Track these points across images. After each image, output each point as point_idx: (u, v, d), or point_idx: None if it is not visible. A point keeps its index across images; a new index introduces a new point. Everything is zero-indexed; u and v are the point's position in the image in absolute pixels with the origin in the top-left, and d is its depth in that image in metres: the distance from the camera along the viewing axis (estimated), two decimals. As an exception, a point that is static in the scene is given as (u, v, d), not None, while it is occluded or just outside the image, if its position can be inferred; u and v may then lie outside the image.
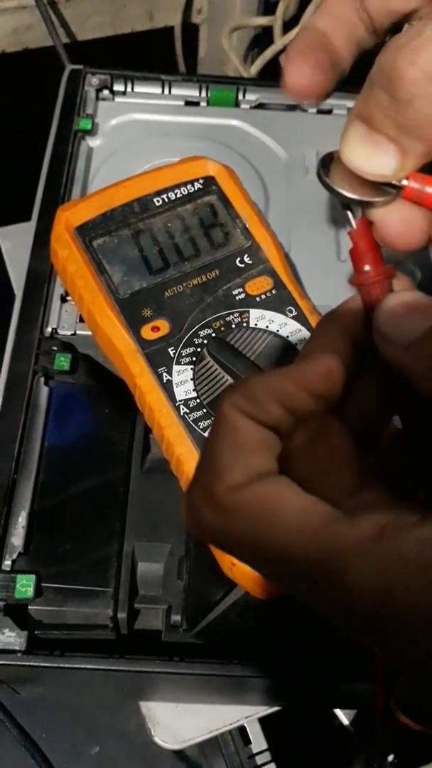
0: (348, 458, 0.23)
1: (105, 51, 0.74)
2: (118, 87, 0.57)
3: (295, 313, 0.40)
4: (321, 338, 0.25)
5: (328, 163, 0.26)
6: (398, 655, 0.19)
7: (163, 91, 0.57)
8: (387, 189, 0.24)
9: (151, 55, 0.76)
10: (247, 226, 0.42)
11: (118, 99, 0.57)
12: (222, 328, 0.39)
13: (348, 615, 0.19)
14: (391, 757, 0.53)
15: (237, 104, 0.58)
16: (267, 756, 0.47)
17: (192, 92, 0.57)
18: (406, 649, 0.19)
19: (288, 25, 0.67)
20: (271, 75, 0.72)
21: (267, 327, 0.40)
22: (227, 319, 0.40)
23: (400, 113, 0.22)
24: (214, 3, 0.74)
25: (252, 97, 0.58)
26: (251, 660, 0.39)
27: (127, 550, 0.39)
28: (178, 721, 0.45)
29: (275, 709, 0.48)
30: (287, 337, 0.40)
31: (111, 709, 0.64)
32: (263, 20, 0.68)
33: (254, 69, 0.69)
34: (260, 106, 0.58)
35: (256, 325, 0.40)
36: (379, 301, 0.24)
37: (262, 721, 0.49)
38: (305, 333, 0.40)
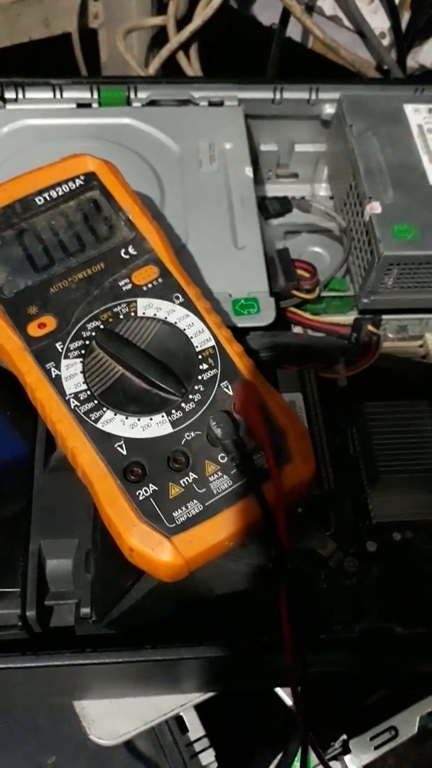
0: None
1: (6, 62, 0.75)
2: (9, 94, 0.57)
3: (182, 299, 0.41)
4: None
5: None
6: None
7: (54, 95, 0.58)
8: None
9: (54, 62, 0.76)
10: (130, 217, 0.43)
11: (9, 106, 0.57)
12: (110, 320, 0.40)
13: None
14: (344, 737, 0.54)
15: (129, 103, 0.58)
16: (205, 742, 0.47)
17: (83, 94, 0.58)
18: None
19: (181, 24, 0.68)
20: (170, 73, 0.73)
21: (155, 315, 0.40)
22: (115, 310, 0.40)
23: None
24: (109, 6, 0.74)
25: (143, 95, 0.59)
26: (166, 644, 0.39)
27: (33, 549, 0.39)
28: (112, 716, 0.45)
29: (210, 695, 0.48)
30: (175, 323, 0.40)
31: (64, 715, 0.63)
32: (156, 20, 0.69)
33: (152, 69, 0.70)
34: (152, 103, 0.58)
35: (144, 314, 0.40)
36: None
37: (200, 708, 0.49)
38: (193, 318, 0.40)
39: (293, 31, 0.77)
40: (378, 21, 0.79)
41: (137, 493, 0.35)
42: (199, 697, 0.47)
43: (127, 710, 0.46)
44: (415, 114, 0.58)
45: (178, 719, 0.48)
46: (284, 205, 0.60)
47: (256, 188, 0.56)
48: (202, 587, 0.41)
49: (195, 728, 0.47)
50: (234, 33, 0.75)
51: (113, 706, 0.46)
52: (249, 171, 0.55)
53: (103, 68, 0.81)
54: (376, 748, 0.48)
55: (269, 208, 0.59)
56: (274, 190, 0.66)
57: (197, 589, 0.41)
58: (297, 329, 0.56)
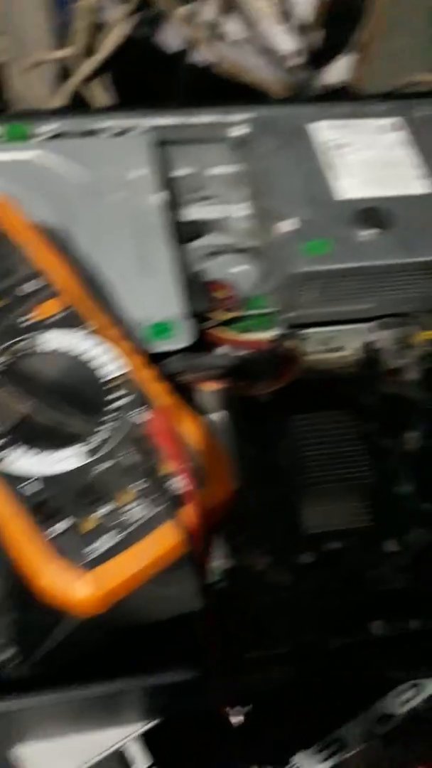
0: None
1: None
2: None
3: (89, 330, 0.41)
4: None
5: None
6: None
7: (-43, 134, 0.58)
8: None
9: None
10: (30, 253, 0.42)
11: None
12: (12, 357, 0.39)
13: None
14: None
15: (33, 137, 0.58)
16: (154, 771, 0.46)
17: (-14, 131, 0.58)
18: None
19: (87, 54, 0.69)
20: (80, 105, 0.74)
21: (58, 349, 0.40)
22: (16, 347, 0.40)
23: None
24: (16, 41, 0.75)
25: (49, 127, 0.59)
26: (98, 678, 0.38)
27: None
28: (51, 758, 0.44)
29: (155, 722, 0.47)
30: (81, 355, 0.40)
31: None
32: (59, 53, 0.69)
33: (60, 101, 0.70)
34: (57, 135, 0.59)
35: (47, 348, 0.40)
36: None
37: (148, 735, 0.48)
38: (101, 348, 0.40)
39: (203, 55, 0.78)
40: (287, 42, 0.81)
41: (50, 531, 0.35)
42: (142, 727, 0.47)
43: (67, 750, 0.45)
44: (319, 132, 0.60)
45: (121, 754, 0.47)
46: (199, 228, 0.60)
47: (174, 213, 0.56)
48: (132, 616, 0.41)
49: (141, 759, 0.47)
50: (142, 60, 0.75)
51: (52, 748, 0.45)
52: (159, 197, 0.56)
53: (11, 104, 0.81)
54: (324, 760, 0.48)
55: (184, 232, 0.59)
56: (191, 213, 0.66)
57: (128, 617, 0.41)
58: (220, 349, 0.56)
